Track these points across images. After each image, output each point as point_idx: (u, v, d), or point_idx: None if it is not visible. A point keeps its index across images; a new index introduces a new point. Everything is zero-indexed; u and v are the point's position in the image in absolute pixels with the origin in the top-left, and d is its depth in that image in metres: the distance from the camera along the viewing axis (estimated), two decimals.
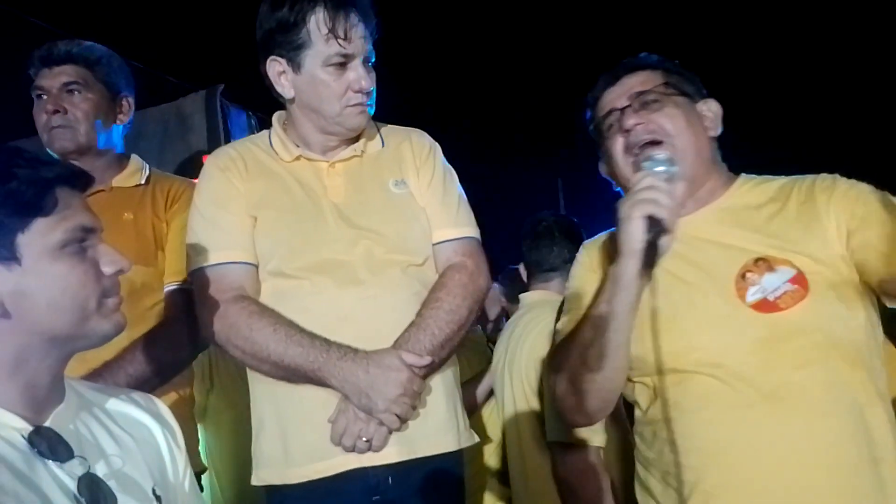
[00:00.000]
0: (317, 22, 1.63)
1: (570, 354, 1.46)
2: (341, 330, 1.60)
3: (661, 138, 1.45)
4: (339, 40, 1.63)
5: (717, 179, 1.52)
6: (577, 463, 2.06)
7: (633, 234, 1.33)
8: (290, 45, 1.65)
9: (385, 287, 1.64)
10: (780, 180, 1.52)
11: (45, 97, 1.92)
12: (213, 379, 2.49)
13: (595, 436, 2.06)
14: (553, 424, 2.13)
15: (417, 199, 1.76)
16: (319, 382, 1.58)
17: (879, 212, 1.37)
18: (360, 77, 1.66)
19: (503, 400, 2.36)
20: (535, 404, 2.21)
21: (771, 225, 1.43)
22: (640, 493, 1.53)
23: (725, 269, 1.41)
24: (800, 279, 1.37)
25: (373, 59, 1.70)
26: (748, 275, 1.39)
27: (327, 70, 1.65)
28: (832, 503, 1.31)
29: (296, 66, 1.67)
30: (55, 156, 1.90)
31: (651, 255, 1.34)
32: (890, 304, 1.41)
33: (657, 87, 1.49)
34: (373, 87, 1.70)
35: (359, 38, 1.65)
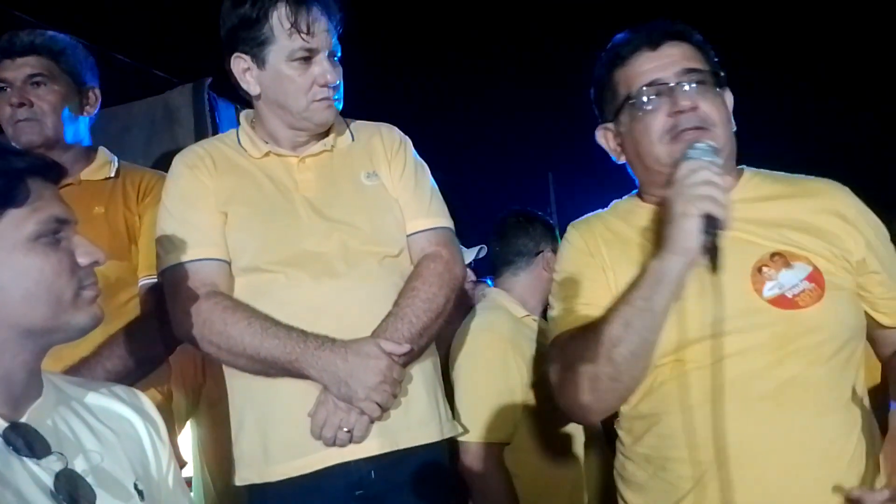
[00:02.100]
0: (279, 17, 1.61)
1: (591, 353, 1.35)
2: (319, 323, 1.58)
3: (708, 127, 1.39)
4: (303, 35, 1.61)
5: (732, 172, 1.47)
6: (476, 460, 2.03)
7: (689, 231, 1.26)
8: (254, 42, 1.64)
9: (362, 279, 1.63)
10: (785, 176, 1.50)
11: (8, 90, 1.86)
12: (205, 373, 2.47)
13: (494, 433, 2.03)
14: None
15: (389, 191, 1.75)
16: (297, 374, 1.56)
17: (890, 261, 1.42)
18: (326, 71, 1.64)
19: None
20: None
21: (784, 221, 1.41)
22: (625, 489, 1.49)
23: (741, 261, 1.36)
24: (816, 277, 1.35)
25: (339, 53, 1.69)
26: (764, 269, 1.36)
27: (292, 65, 1.63)
28: (833, 497, 1.30)
29: (260, 62, 1.65)
30: (33, 151, 1.87)
31: (716, 261, 1.28)
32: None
33: (706, 70, 1.42)
34: (339, 82, 1.68)
35: (322, 32, 1.64)
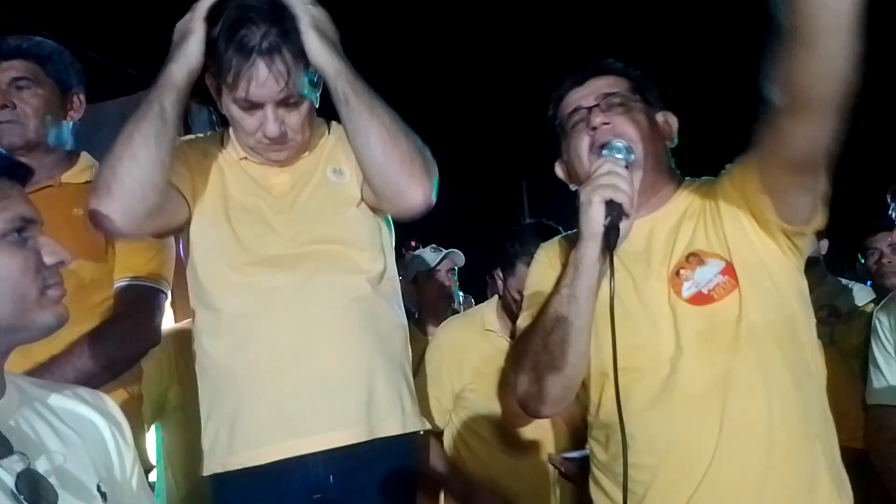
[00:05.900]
0: (227, 57, 1.54)
1: (531, 344, 1.48)
2: (284, 320, 1.60)
3: (624, 141, 1.47)
4: (240, 88, 1.55)
5: (669, 186, 1.56)
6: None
7: (594, 217, 1.38)
8: (215, 69, 1.59)
9: (325, 275, 1.64)
10: (705, 180, 1.58)
11: None
12: (171, 375, 2.45)
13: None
14: None
15: (354, 187, 1.74)
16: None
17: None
18: (267, 123, 1.59)
19: None
20: None
21: (698, 222, 1.49)
22: (596, 495, 1.55)
23: (662, 268, 1.46)
24: (729, 270, 1.43)
25: (299, 95, 1.60)
26: (682, 271, 1.45)
27: (236, 107, 1.60)
28: (775, 484, 1.36)
29: (217, 90, 1.64)
30: (2, 151, 1.85)
31: (610, 240, 1.37)
32: (800, 227, 1.40)
33: (624, 91, 1.52)
34: (289, 129, 1.62)
35: (268, 85, 1.55)
